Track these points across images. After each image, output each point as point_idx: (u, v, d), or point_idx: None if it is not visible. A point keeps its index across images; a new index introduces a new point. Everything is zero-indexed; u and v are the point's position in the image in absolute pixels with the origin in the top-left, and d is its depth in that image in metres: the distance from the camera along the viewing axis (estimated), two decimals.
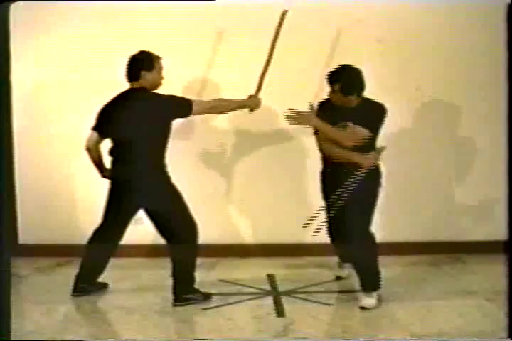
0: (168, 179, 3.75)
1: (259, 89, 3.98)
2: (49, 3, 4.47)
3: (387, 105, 4.60)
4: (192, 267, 3.77)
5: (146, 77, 3.69)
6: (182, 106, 3.69)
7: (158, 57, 3.74)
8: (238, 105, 3.91)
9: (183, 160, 4.55)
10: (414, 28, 4.57)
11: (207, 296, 3.81)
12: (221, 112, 3.97)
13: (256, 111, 4.03)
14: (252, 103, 3.95)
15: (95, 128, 3.83)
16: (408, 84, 4.63)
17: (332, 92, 3.66)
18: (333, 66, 3.79)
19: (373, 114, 3.69)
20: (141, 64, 3.68)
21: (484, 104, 4.65)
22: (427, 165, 4.74)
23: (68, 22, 4.55)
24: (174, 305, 3.71)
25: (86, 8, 4.45)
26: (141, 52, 3.73)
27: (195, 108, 3.69)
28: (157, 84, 3.74)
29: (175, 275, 3.74)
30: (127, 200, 3.74)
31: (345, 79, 3.61)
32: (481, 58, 4.62)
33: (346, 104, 3.68)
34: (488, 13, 4.45)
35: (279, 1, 4.36)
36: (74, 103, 4.63)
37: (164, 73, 3.80)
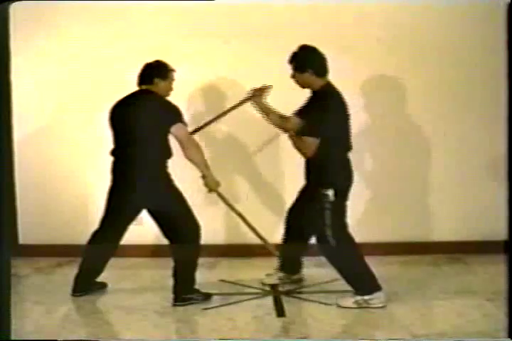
0: (170, 180, 3.76)
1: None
2: (49, 3, 4.47)
3: (386, 104, 4.62)
4: (193, 267, 3.77)
5: (159, 85, 3.74)
6: (172, 120, 3.67)
7: (173, 70, 3.80)
8: (202, 168, 3.81)
9: (184, 161, 4.55)
10: (414, 28, 4.58)
11: (207, 296, 3.80)
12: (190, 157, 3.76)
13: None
14: (210, 182, 3.84)
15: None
16: (408, 84, 4.63)
17: (292, 73, 3.72)
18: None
19: (320, 114, 3.62)
20: (157, 71, 3.75)
21: (484, 104, 4.65)
22: (427, 165, 4.74)
23: (68, 22, 4.56)
24: (174, 305, 3.71)
25: (86, 7, 4.46)
26: (158, 61, 3.79)
27: (184, 129, 3.70)
28: (166, 95, 3.79)
29: (176, 275, 3.74)
30: (128, 200, 3.74)
31: (299, 55, 3.69)
32: (481, 58, 4.62)
33: (310, 86, 3.71)
34: (488, 12, 4.45)
35: (279, 1, 4.38)
36: (74, 103, 4.64)
37: None
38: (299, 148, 3.72)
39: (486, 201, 4.69)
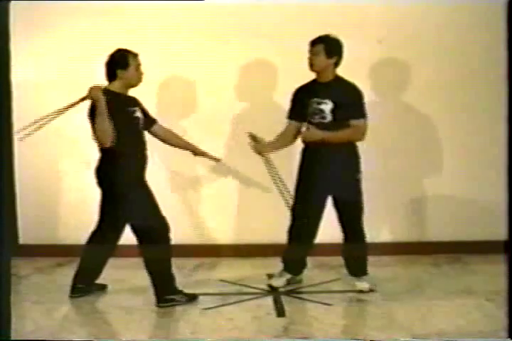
0: (144, 183, 3.71)
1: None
2: (49, 3, 4.47)
3: (387, 105, 4.63)
4: (168, 267, 3.72)
5: (122, 76, 3.65)
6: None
7: (135, 54, 3.68)
8: (191, 149, 3.90)
9: (185, 161, 4.55)
10: (414, 29, 4.58)
11: (191, 297, 3.76)
12: (172, 145, 3.88)
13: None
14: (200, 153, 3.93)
15: None
16: (408, 85, 4.63)
17: (314, 55, 3.80)
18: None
19: (358, 97, 3.84)
20: (116, 62, 3.64)
21: (484, 104, 4.65)
22: (427, 165, 4.74)
23: (68, 21, 4.56)
24: (158, 307, 3.68)
25: (86, 7, 4.45)
26: (116, 51, 3.68)
27: (155, 127, 3.70)
28: (135, 82, 3.69)
29: (151, 276, 3.71)
30: (116, 211, 3.69)
31: (330, 40, 3.81)
32: (481, 58, 4.62)
33: (323, 72, 3.82)
34: (488, 12, 4.45)
35: (280, 1, 4.38)
36: None
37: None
38: (350, 136, 3.82)
39: (486, 201, 4.69)
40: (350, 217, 3.94)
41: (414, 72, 4.61)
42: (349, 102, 3.79)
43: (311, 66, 3.83)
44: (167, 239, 3.72)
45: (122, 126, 3.57)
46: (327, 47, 3.78)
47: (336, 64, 3.84)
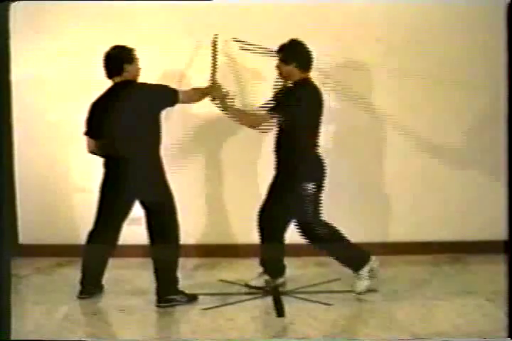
0: (163, 173, 3.74)
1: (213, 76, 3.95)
2: (49, 3, 4.47)
3: (386, 106, 4.63)
4: (174, 267, 3.74)
5: (129, 70, 3.72)
6: (170, 95, 3.72)
7: (133, 49, 3.77)
8: (203, 93, 3.89)
9: (186, 163, 4.56)
10: (414, 28, 4.58)
11: (192, 298, 3.77)
12: (195, 101, 3.92)
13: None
14: (213, 90, 3.90)
15: (86, 134, 3.86)
16: (407, 84, 4.63)
17: (277, 64, 3.83)
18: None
19: (288, 94, 3.80)
20: (123, 57, 3.72)
21: (484, 104, 4.65)
22: (427, 165, 4.74)
23: (68, 21, 4.56)
24: (157, 306, 3.68)
25: (86, 7, 4.45)
26: (117, 47, 3.76)
27: (180, 97, 3.73)
28: (137, 76, 3.78)
29: (157, 275, 3.72)
30: (121, 193, 3.71)
31: (287, 48, 3.81)
32: (480, 58, 4.62)
33: (290, 78, 3.83)
34: (487, 13, 4.45)
35: (279, 1, 4.38)
36: (74, 103, 4.63)
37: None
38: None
39: (486, 201, 4.69)
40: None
41: (414, 71, 4.61)
42: (280, 98, 3.83)
43: (280, 74, 3.88)
44: (177, 237, 3.76)
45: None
46: (284, 55, 3.80)
47: (302, 68, 3.80)
